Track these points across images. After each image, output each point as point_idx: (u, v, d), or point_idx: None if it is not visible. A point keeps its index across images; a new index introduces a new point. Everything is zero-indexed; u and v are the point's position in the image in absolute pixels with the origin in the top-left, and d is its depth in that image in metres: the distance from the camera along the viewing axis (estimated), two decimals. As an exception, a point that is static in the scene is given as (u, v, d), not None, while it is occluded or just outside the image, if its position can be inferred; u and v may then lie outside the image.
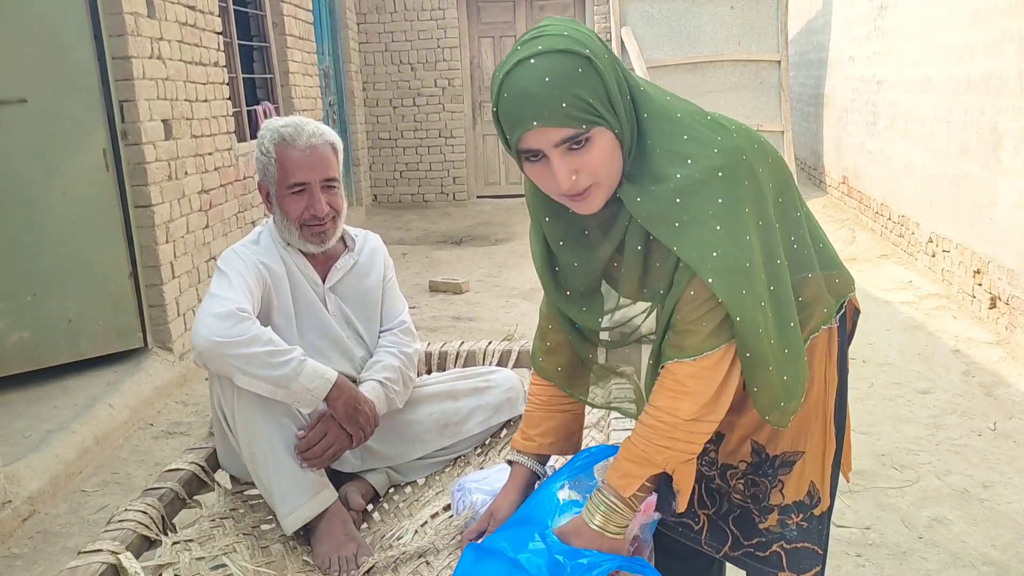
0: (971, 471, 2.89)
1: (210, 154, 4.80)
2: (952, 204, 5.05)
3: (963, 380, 3.72)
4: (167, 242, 4.18)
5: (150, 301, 4.11)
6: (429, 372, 2.42)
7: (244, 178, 5.35)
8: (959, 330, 4.38)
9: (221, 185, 4.96)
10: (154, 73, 4.13)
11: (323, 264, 2.10)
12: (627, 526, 1.37)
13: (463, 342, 2.51)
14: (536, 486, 1.61)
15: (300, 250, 2.06)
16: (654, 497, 1.44)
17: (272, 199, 2.03)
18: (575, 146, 1.16)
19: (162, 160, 4.17)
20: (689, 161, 1.21)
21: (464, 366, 2.43)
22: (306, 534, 1.87)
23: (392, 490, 2.11)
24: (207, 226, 4.73)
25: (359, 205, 9.21)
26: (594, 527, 1.35)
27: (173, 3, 4.41)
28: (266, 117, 5.94)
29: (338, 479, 2.04)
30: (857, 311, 1.52)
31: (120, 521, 1.70)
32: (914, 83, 5.85)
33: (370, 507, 2.05)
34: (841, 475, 1.58)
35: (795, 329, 1.30)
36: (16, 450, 3.04)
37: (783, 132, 8.71)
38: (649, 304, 1.39)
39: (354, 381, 2.01)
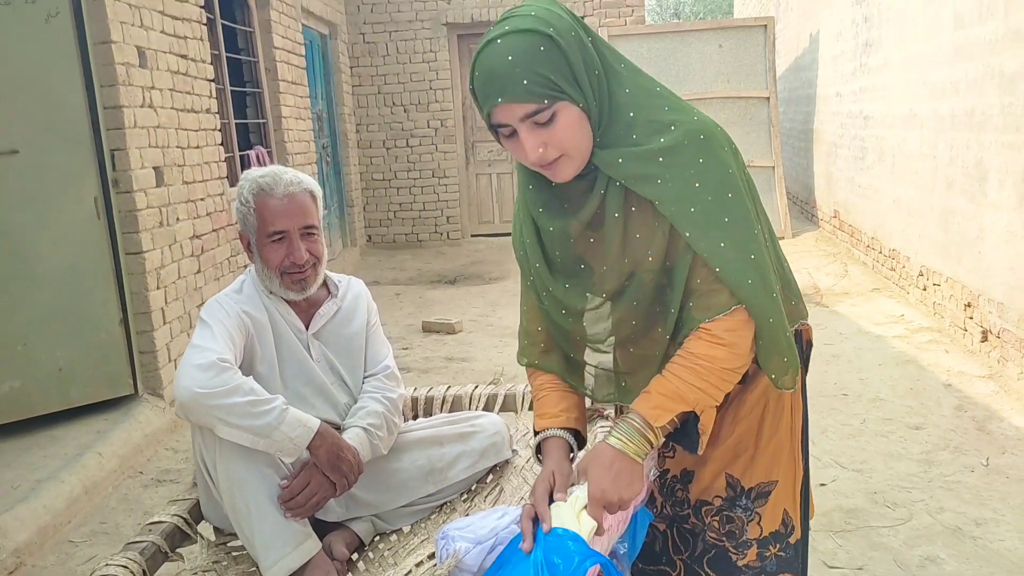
0: (964, 508, 2.87)
1: (202, 199, 4.84)
2: (941, 238, 5.08)
3: (955, 415, 3.72)
4: (158, 288, 4.19)
5: (141, 348, 4.11)
6: (416, 417, 2.42)
7: (236, 222, 5.37)
8: (951, 364, 4.38)
9: (213, 230, 4.99)
10: (145, 121, 4.17)
11: (306, 311, 2.11)
12: (646, 457, 1.38)
13: (449, 387, 2.50)
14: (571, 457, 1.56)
15: (282, 298, 2.06)
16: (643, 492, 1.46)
17: (253, 248, 2.05)
18: (541, 120, 1.24)
19: (153, 207, 4.19)
20: (672, 127, 1.30)
21: (451, 411, 2.43)
22: (290, 585, 1.85)
23: (377, 538, 2.09)
24: (199, 271, 4.74)
25: (353, 246, 9.24)
26: (618, 447, 1.36)
27: (165, 53, 4.47)
28: (259, 161, 6.01)
29: (322, 528, 2.02)
30: (810, 343, 1.54)
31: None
32: (900, 119, 5.92)
33: (355, 556, 2.03)
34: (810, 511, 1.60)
35: (777, 296, 1.35)
36: (4, 501, 3.02)
37: (774, 167, 8.80)
38: (609, 304, 1.43)
39: (338, 428, 2.01)
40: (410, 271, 8.49)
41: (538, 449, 1.53)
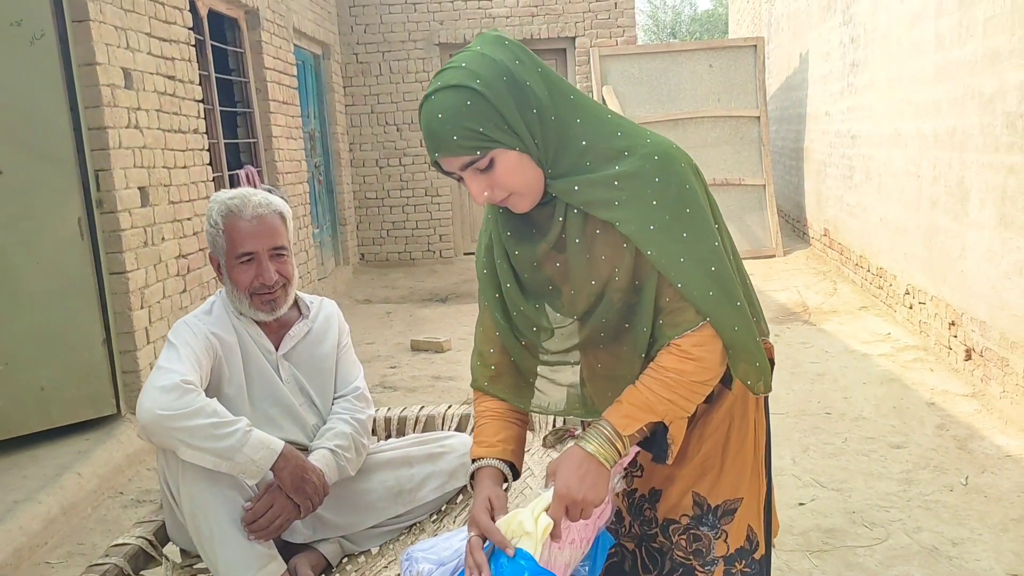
0: (941, 528, 2.86)
1: (188, 219, 4.85)
2: (926, 256, 5.10)
3: (937, 434, 3.71)
4: (142, 308, 4.19)
5: (124, 367, 4.11)
6: (388, 437, 2.42)
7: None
8: (935, 383, 4.39)
9: (200, 249, 5.00)
10: (131, 142, 4.19)
11: (276, 332, 2.12)
12: (615, 463, 1.40)
13: (423, 406, 2.51)
14: (504, 488, 1.56)
15: (252, 319, 2.07)
16: (607, 508, 1.47)
17: (223, 269, 2.06)
18: (480, 167, 1.31)
19: (138, 227, 4.21)
20: (626, 153, 1.34)
21: (423, 431, 2.43)
22: (254, 608, 1.85)
23: (345, 560, 2.08)
24: (184, 290, 4.75)
25: (346, 264, 9.25)
26: (589, 450, 1.38)
27: (152, 74, 4.49)
28: (248, 180, 6.03)
29: (290, 550, 2.02)
30: (772, 361, 1.54)
31: (59, 599, 1.68)
32: (886, 138, 5.95)
33: (323, 577, 2.03)
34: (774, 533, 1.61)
35: (743, 302, 1.38)
36: (-21, 522, 3.01)
37: (764, 185, 8.83)
38: (573, 322, 1.46)
39: (306, 449, 2.01)
40: (402, 289, 8.50)
41: (472, 477, 1.53)
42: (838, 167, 7.60)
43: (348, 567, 2.06)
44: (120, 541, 1.92)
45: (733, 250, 1.48)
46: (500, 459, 1.52)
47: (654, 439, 1.45)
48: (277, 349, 2.10)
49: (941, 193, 4.81)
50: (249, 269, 2.01)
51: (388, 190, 9.78)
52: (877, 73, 6.18)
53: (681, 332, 1.35)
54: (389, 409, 2.48)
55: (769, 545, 1.58)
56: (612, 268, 1.38)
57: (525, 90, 1.31)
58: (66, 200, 3.87)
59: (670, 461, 1.45)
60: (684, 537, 1.53)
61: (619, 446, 1.39)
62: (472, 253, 10.01)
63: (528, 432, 2.02)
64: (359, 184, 9.74)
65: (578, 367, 1.55)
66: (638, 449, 1.50)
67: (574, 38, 9.62)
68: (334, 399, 2.17)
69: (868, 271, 6.52)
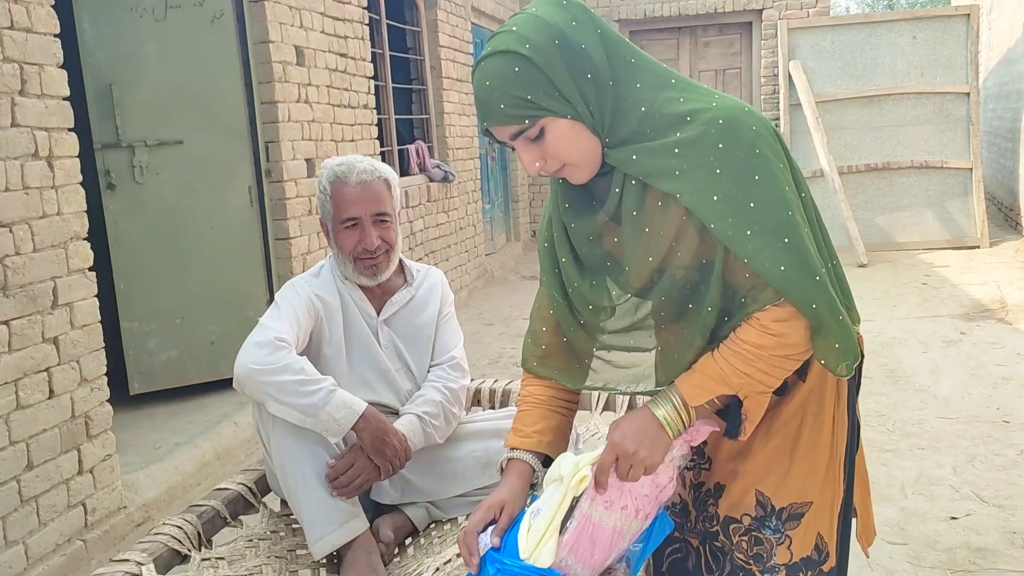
0: (1122, 562, 2.48)
1: (354, 191, 5.07)
2: None
3: None
4: (303, 272, 4.44)
5: (285, 327, 4.37)
6: (484, 409, 2.41)
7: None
8: None
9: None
10: (300, 116, 4.44)
11: (380, 298, 2.16)
12: (680, 433, 1.33)
13: (514, 380, 2.47)
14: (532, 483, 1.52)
15: (356, 283, 2.12)
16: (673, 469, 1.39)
17: (330, 234, 2.12)
18: (530, 136, 1.25)
19: (303, 196, 4.45)
20: (688, 119, 1.24)
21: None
22: (338, 562, 1.91)
23: (432, 526, 2.10)
24: (347, 258, 4.98)
25: (516, 240, 9.37)
26: (655, 412, 1.32)
27: (324, 52, 4.73)
28: (418, 156, 6.23)
29: (379, 511, 2.07)
30: (861, 353, 1.38)
31: (156, 534, 1.81)
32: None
33: (409, 541, 2.06)
34: (860, 545, 1.44)
35: (824, 274, 1.24)
36: (143, 460, 3.32)
37: (971, 169, 8.02)
38: (629, 298, 1.38)
39: (396, 413, 2.05)
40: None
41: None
42: (1058, 149, 6.74)
43: (433, 533, 2.08)
44: (223, 486, 2.04)
45: (821, 227, 1.34)
46: (533, 451, 1.48)
47: (728, 412, 1.36)
48: (379, 314, 2.14)
49: None
50: (353, 234, 2.06)
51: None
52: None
53: (762, 306, 1.25)
54: (484, 380, 2.48)
55: (844, 557, 1.43)
56: (674, 244, 1.28)
57: (580, 54, 1.23)
58: (239, 169, 4.17)
59: (743, 437, 1.35)
60: (745, 539, 1.42)
61: (684, 417, 1.31)
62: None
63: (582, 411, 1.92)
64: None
65: (639, 353, 1.45)
66: (714, 428, 1.39)
67: (761, 10, 9.15)
68: (430, 367, 2.18)
69: (1085, 267, 5.75)
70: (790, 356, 1.28)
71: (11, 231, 2.56)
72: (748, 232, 1.21)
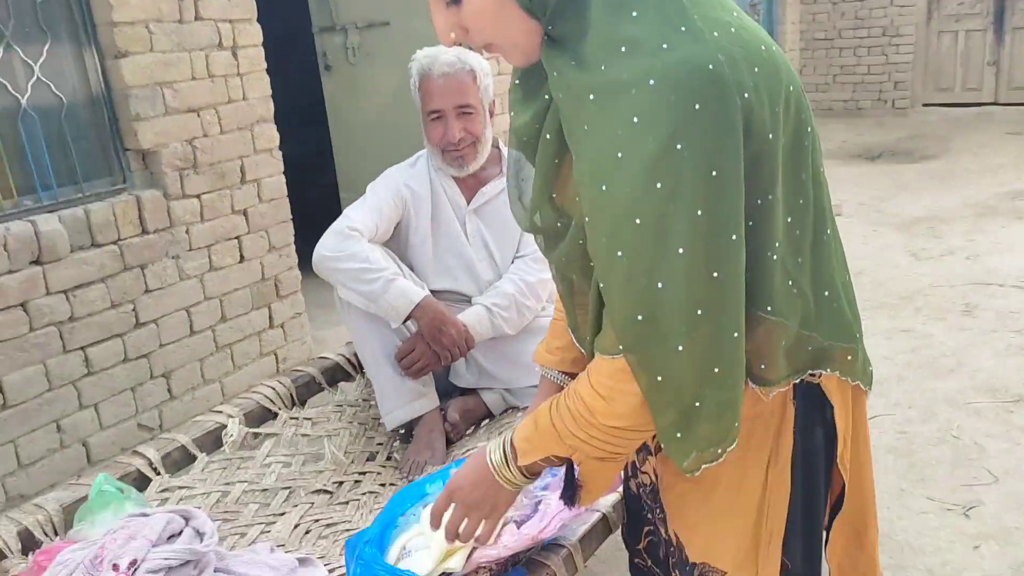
0: None
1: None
2: None
3: None
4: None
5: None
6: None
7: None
8: None
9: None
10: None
11: (472, 188, 2.18)
12: (518, 487, 1.16)
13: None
14: None
15: (447, 174, 2.17)
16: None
17: (422, 126, 2.18)
18: (450, 1, 1.02)
19: (504, 74, 4.50)
20: (623, 49, 0.91)
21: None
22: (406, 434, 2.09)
23: (507, 411, 2.19)
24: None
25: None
26: (491, 459, 1.15)
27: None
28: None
29: (459, 392, 2.20)
30: (827, 404, 1.08)
31: (253, 391, 2.09)
32: None
33: (484, 423, 2.17)
34: None
35: (733, 341, 0.94)
36: (335, 320, 3.72)
37: None
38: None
39: (471, 303, 2.12)
40: (833, 143, 7.77)
41: None
42: None
43: (506, 419, 2.16)
44: (323, 355, 2.27)
45: (816, 239, 1.03)
46: (558, 370, 1.33)
47: (565, 475, 1.14)
48: (469, 203, 2.19)
49: None
50: (438, 126, 2.09)
51: (839, 29, 8.79)
52: None
53: (600, 350, 1.01)
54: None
55: None
56: (577, 198, 1.00)
57: None
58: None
59: (577, 506, 1.14)
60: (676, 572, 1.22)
61: (513, 471, 1.12)
62: (933, 104, 8.65)
63: None
64: (807, 23, 8.92)
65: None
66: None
67: None
68: (514, 258, 2.20)
69: None
70: (625, 429, 1.01)
71: (199, 115, 2.91)
72: (619, 253, 0.92)
